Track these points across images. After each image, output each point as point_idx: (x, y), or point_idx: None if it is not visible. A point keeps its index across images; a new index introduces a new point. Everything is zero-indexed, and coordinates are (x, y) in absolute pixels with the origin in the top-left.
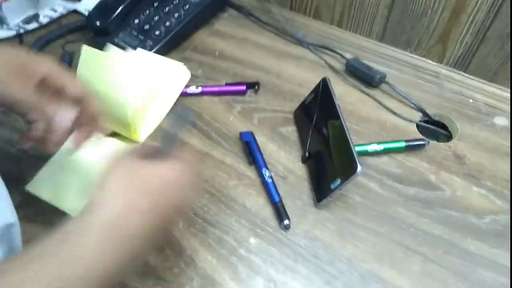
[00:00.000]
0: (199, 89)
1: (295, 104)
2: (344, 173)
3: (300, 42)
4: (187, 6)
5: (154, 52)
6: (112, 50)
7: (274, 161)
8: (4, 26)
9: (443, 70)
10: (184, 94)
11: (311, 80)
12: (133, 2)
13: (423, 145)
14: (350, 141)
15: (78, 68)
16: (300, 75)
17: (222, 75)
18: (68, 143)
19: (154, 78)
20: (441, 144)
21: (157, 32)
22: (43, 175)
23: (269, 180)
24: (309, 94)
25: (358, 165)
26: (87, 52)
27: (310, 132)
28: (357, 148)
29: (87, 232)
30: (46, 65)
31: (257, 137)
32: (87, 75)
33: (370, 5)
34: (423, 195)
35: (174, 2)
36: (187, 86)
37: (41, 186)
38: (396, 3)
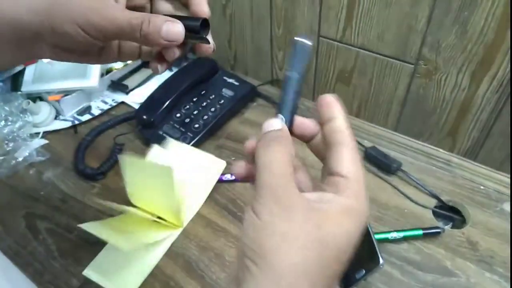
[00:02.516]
0: (233, 177)
1: None
2: (368, 264)
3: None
4: (222, 101)
5: (194, 142)
6: (155, 149)
7: None
8: (61, 117)
9: (454, 158)
10: (220, 181)
11: None
12: (176, 98)
13: (439, 232)
14: (371, 233)
15: (123, 174)
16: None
17: None
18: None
19: (193, 169)
20: (456, 230)
21: (196, 125)
22: (100, 260)
23: None
24: None
25: (380, 259)
26: (125, 161)
27: None
28: (379, 236)
29: None
30: None
31: None
32: (132, 178)
33: (384, 102)
34: (440, 282)
35: (211, 97)
36: (223, 174)
37: (98, 271)
38: (408, 101)
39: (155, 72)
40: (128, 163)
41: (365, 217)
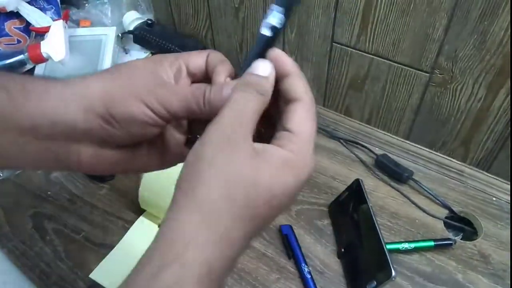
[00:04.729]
0: None
1: (329, 197)
2: (379, 275)
3: (331, 136)
4: None
5: None
6: None
7: (311, 254)
8: None
9: (467, 168)
10: None
11: (343, 173)
12: None
13: (451, 244)
14: (383, 244)
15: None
16: (333, 168)
17: None
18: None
19: None
20: (467, 243)
21: None
22: (107, 264)
23: (308, 276)
24: (343, 191)
25: (393, 271)
26: None
27: (345, 229)
28: (390, 246)
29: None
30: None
31: (295, 229)
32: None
33: (397, 109)
34: None
35: None
36: None
37: (105, 275)
38: (421, 109)
39: None
40: None
41: (306, 173)
